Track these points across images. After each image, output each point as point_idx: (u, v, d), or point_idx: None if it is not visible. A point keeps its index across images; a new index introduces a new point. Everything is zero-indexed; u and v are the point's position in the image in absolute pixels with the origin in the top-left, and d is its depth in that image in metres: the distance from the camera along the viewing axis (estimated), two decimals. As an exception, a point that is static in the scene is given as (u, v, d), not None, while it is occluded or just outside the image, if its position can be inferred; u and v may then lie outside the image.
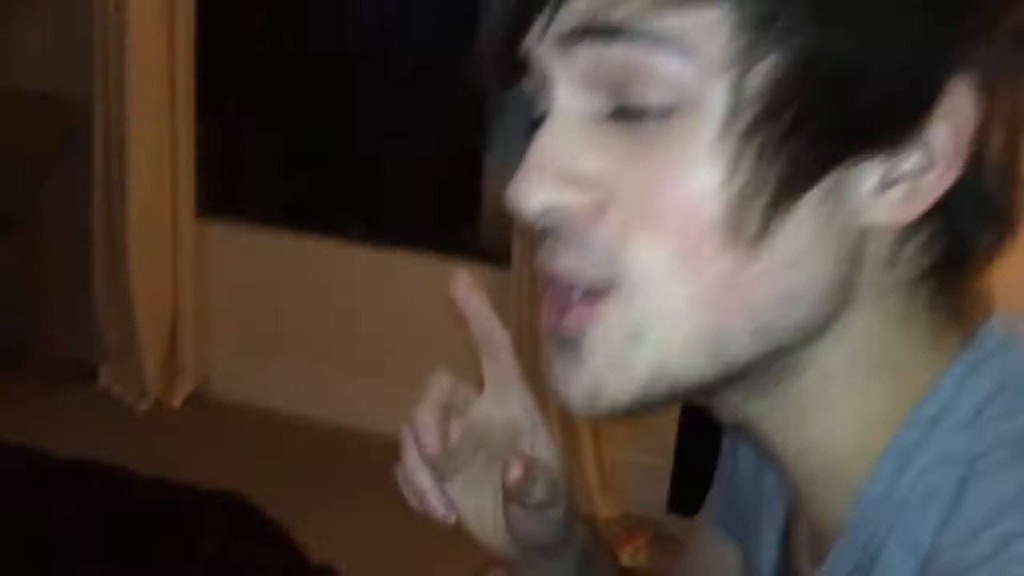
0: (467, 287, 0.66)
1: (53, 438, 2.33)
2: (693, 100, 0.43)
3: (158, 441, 2.86)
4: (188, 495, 1.88)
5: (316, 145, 3.45)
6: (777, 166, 0.42)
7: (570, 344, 0.47)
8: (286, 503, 2.04)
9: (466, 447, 0.65)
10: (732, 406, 0.50)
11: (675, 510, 2.51)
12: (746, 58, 0.42)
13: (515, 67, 0.47)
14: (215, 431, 3.00)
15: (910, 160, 0.44)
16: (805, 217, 0.43)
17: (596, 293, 0.45)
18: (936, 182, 0.44)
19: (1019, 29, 0.45)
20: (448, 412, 0.66)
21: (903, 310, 0.48)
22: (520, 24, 0.45)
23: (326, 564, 1.86)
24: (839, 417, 0.49)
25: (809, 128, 0.42)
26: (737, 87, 0.42)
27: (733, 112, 0.42)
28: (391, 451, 0.70)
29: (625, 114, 0.44)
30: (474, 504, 0.66)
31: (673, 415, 2.47)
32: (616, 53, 0.43)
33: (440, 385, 0.68)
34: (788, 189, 0.43)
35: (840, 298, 0.46)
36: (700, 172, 0.43)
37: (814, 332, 0.46)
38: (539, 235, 0.47)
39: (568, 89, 0.45)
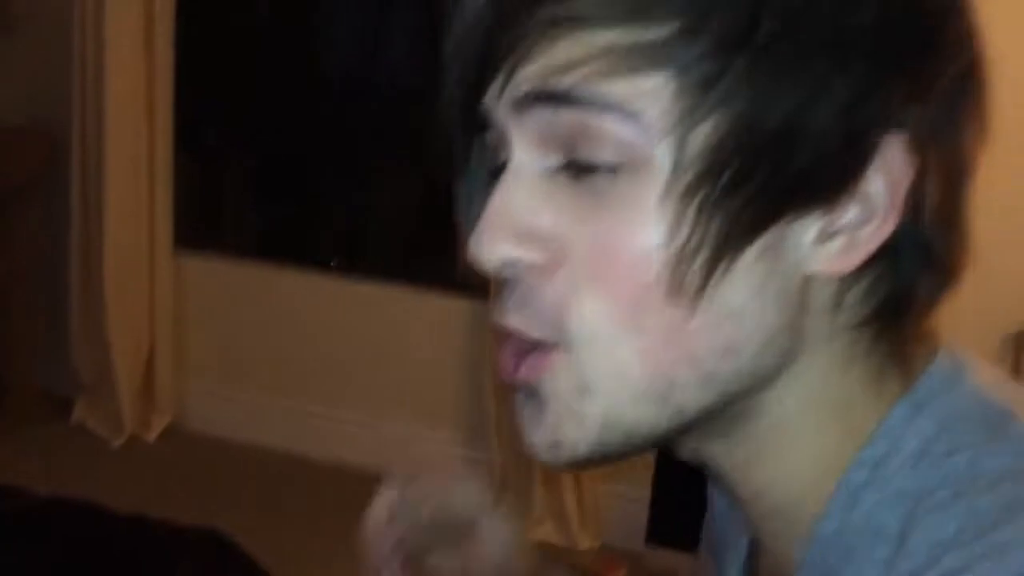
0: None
1: (27, 474, 2.31)
2: (640, 160, 0.45)
3: (134, 475, 2.83)
4: (164, 531, 1.86)
5: (292, 178, 3.46)
6: (716, 224, 0.44)
7: (532, 392, 0.49)
8: (263, 537, 2.03)
9: (424, 538, 0.68)
10: (691, 447, 0.52)
11: (654, 541, 2.52)
12: (687, 121, 0.44)
13: (477, 122, 0.49)
14: (191, 465, 2.97)
15: (848, 213, 0.46)
16: (745, 271, 0.45)
17: (545, 347, 0.48)
18: (874, 233, 0.46)
19: (948, 90, 0.47)
20: (394, 516, 0.69)
21: (849, 354, 0.49)
22: (478, 87, 0.47)
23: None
24: (793, 458, 0.50)
25: (747, 188, 0.44)
26: (679, 148, 0.44)
27: (676, 172, 0.44)
28: (370, 484, 0.70)
29: (576, 168, 0.46)
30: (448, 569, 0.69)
31: (651, 446, 2.48)
32: (567, 116, 0.45)
33: (389, 495, 0.71)
34: (727, 247, 0.45)
35: (787, 345, 0.48)
36: (645, 229, 0.45)
37: (764, 378, 0.48)
38: (498, 285, 0.49)
39: (524, 148, 0.47)
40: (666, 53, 0.44)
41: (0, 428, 2.95)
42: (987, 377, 0.51)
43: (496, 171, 0.49)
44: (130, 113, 2.89)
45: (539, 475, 2.68)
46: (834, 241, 0.47)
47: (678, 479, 2.55)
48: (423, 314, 2.97)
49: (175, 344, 3.13)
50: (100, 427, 3.06)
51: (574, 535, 2.69)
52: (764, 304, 0.46)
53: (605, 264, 0.46)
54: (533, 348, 0.48)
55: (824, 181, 0.45)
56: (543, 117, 0.46)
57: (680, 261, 0.45)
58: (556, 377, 0.48)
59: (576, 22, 0.44)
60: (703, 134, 0.44)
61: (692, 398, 0.47)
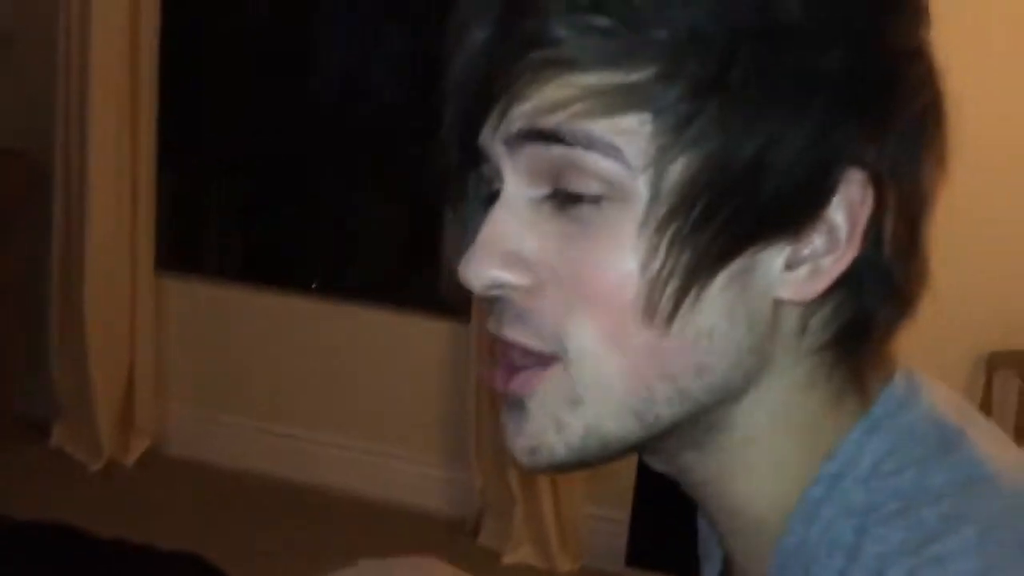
0: None
1: (3, 498, 2.29)
2: (621, 192, 0.49)
3: (112, 500, 2.82)
4: (145, 555, 1.85)
5: (275, 200, 3.47)
6: (687, 254, 0.48)
7: (518, 404, 0.52)
8: (244, 562, 2.02)
9: None
10: (665, 458, 0.55)
11: (633, 563, 2.52)
12: (663, 158, 0.48)
13: (471, 155, 0.53)
14: (170, 489, 2.96)
15: (813, 243, 0.50)
16: (717, 295, 0.49)
17: (544, 360, 0.51)
18: (836, 262, 0.50)
19: (906, 129, 0.51)
20: None
21: (812, 377, 0.53)
22: (474, 123, 0.52)
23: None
24: (760, 473, 0.54)
25: (716, 220, 0.48)
26: (656, 183, 0.48)
27: (652, 204, 0.48)
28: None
29: (562, 198, 0.50)
30: None
31: (631, 468, 2.49)
32: (555, 152, 0.49)
33: None
34: (696, 275, 0.48)
35: (755, 362, 0.51)
36: (624, 256, 0.49)
37: (733, 392, 0.52)
38: (487, 304, 0.53)
39: (515, 180, 0.51)
40: (644, 95, 0.47)
41: (-23, 452, 2.93)
42: (941, 398, 0.54)
43: (487, 199, 0.53)
44: (113, 135, 2.90)
45: (519, 497, 2.69)
46: (800, 269, 0.50)
47: (658, 501, 2.56)
48: (404, 336, 2.97)
49: (155, 367, 3.12)
50: (78, 451, 3.04)
51: (554, 557, 2.69)
52: (735, 326, 0.50)
53: (588, 287, 0.49)
54: (528, 363, 0.51)
55: (789, 214, 0.49)
56: (534, 152, 0.50)
57: (654, 287, 0.48)
58: (549, 388, 0.51)
59: (564, 65, 0.48)
60: (677, 170, 0.48)
61: (667, 411, 0.51)
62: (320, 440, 3.03)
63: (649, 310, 0.48)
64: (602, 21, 0.47)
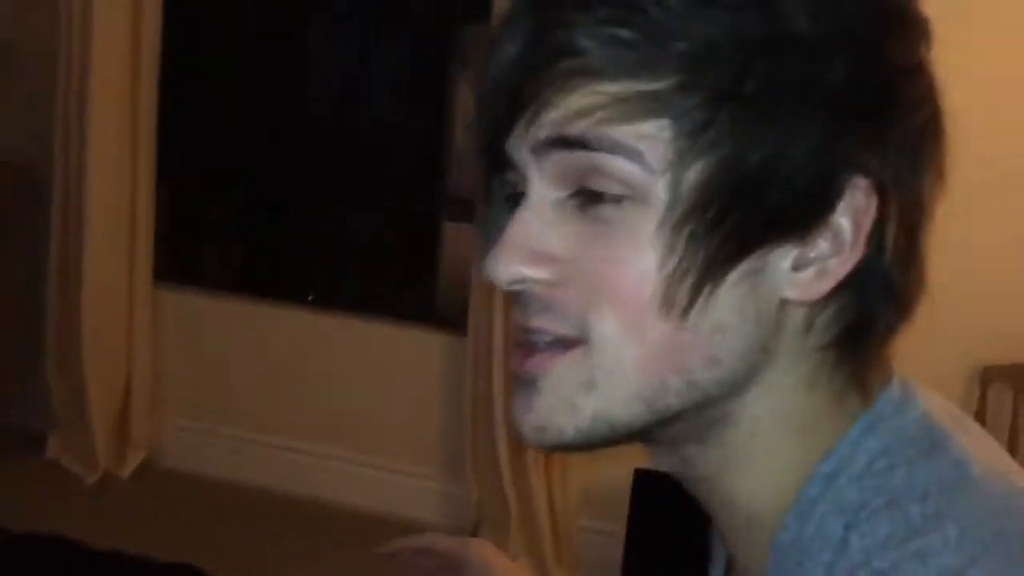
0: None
1: (-1, 509, 2.28)
2: (641, 193, 0.52)
3: (107, 512, 2.81)
4: (143, 567, 1.85)
5: (273, 212, 3.47)
6: (702, 252, 0.51)
7: (529, 383, 0.55)
8: (240, 574, 2.02)
9: None
10: (669, 449, 0.58)
11: (630, 576, 2.52)
12: (681, 162, 0.51)
13: (500, 160, 0.57)
14: (165, 502, 2.95)
15: (819, 246, 0.53)
16: (728, 293, 0.52)
17: (565, 343, 0.54)
18: (841, 264, 0.53)
19: (908, 141, 0.54)
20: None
21: (815, 375, 0.56)
22: (501, 132, 0.55)
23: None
24: (760, 468, 0.56)
25: (728, 222, 0.51)
26: (674, 185, 0.51)
27: (670, 206, 0.51)
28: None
29: (586, 198, 0.53)
30: None
31: (626, 481, 2.49)
32: (579, 157, 0.53)
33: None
34: (711, 271, 0.51)
35: (760, 358, 0.54)
36: (643, 255, 0.52)
37: (739, 386, 0.55)
38: (511, 298, 0.56)
39: (540, 184, 0.55)
40: (665, 103, 0.51)
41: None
42: (935, 405, 0.57)
43: (512, 201, 0.56)
44: (113, 147, 2.90)
45: (515, 510, 2.69)
46: (807, 270, 0.53)
47: (654, 515, 2.57)
48: (401, 349, 2.98)
49: (152, 378, 3.11)
50: (74, 463, 3.04)
51: (549, 570, 2.69)
52: (744, 322, 0.53)
53: (609, 282, 0.52)
54: (552, 346, 0.54)
55: (796, 217, 0.52)
56: (560, 158, 0.53)
57: (671, 283, 0.51)
58: (565, 370, 0.53)
59: (590, 75, 0.51)
60: (694, 174, 0.51)
61: (675, 400, 0.53)
62: (317, 452, 3.03)
63: (666, 304, 0.51)
64: (626, 34, 0.50)
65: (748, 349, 0.53)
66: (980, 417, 2.26)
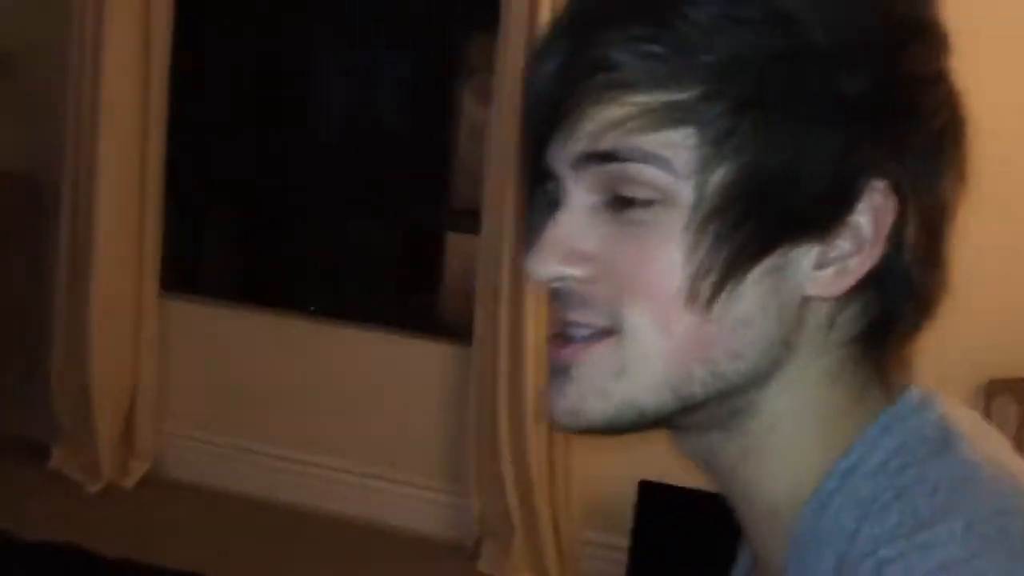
0: None
1: (2, 520, 2.29)
2: (669, 196, 0.55)
3: (110, 523, 2.81)
4: (153, 575, 1.85)
5: (278, 223, 3.48)
6: (725, 250, 0.55)
7: (563, 371, 0.58)
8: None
9: None
10: (695, 436, 0.61)
11: (633, 589, 2.51)
12: (706, 167, 0.55)
13: (541, 171, 0.61)
14: (169, 512, 2.95)
15: (840, 245, 0.56)
16: (751, 289, 0.55)
17: (599, 333, 0.57)
18: (861, 263, 0.56)
19: (926, 146, 0.56)
20: None
21: (837, 370, 0.58)
22: (542, 145, 0.59)
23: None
24: (781, 461, 0.59)
25: (750, 223, 0.55)
26: (700, 189, 0.55)
27: (696, 208, 0.55)
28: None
29: (618, 202, 0.57)
30: None
31: (630, 494, 2.49)
32: (612, 167, 0.57)
33: None
34: (733, 268, 0.55)
35: (782, 352, 0.57)
36: (670, 252, 0.55)
37: (761, 378, 0.57)
38: (550, 294, 0.60)
39: (577, 193, 0.59)
40: (690, 112, 0.54)
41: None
42: (955, 410, 0.59)
43: (550, 206, 0.60)
44: (122, 159, 2.92)
45: (518, 523, 2.68)
46: (828, 268, 0.56)
47: (657, 528, 2.56)
48: (404, 359, 2.98)
49: (157, 388, 3.12)
50: (77, 473, 3.04)
51: (553, 583, 2.68)
52: (767, 317, 0.56)
53: (640, 278, 0.56)
54: (588, 336, 0.58)
55: (816, 218, 0.55)
56: (594, 170, 0.57)
57: (696, 278, 0.55)
58: (598, 359, 0.57)
59: (623, 87, 0.55)
60: (718, 178, 0.55)
61: (700, 389, 0.57)
62: (320, 463, 3.03)
63: (692, 298, 0.55)
64: (657, 48, 0.54)
65: (771, 343, 0.56)
66: (985, 430, 2.26)
